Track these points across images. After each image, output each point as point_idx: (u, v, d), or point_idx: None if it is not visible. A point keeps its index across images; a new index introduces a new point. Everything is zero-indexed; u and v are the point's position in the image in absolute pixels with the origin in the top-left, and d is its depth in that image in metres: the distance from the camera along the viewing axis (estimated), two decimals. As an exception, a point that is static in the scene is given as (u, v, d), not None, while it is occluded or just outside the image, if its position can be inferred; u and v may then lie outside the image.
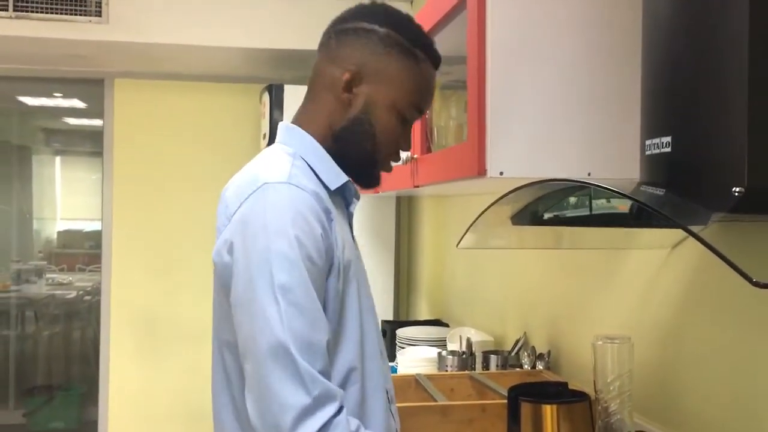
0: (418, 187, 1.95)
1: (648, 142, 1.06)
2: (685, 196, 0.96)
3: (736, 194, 0.87)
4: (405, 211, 3.55)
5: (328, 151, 1.20)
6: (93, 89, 3.95)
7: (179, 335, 3.79)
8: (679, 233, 1.45)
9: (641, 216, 1.06)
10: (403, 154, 1.95)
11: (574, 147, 1.42)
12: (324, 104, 1.22)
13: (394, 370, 2.54)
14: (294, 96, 3.14)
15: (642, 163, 1.09)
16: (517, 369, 2.02)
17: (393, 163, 1.27)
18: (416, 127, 1.95)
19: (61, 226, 5.80)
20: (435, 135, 1.95)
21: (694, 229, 0.88)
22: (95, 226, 5.60)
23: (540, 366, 1.97)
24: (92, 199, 5.68)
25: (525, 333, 2.19)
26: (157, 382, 3.81)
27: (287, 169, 1.11)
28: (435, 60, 1.25)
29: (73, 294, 5.40)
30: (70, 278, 5.57)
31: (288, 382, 0.99)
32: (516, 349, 2.14)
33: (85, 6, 3.03)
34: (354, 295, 1.17)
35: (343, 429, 1.01)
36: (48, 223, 5.70)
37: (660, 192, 1.02)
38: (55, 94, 4.80)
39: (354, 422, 1.06)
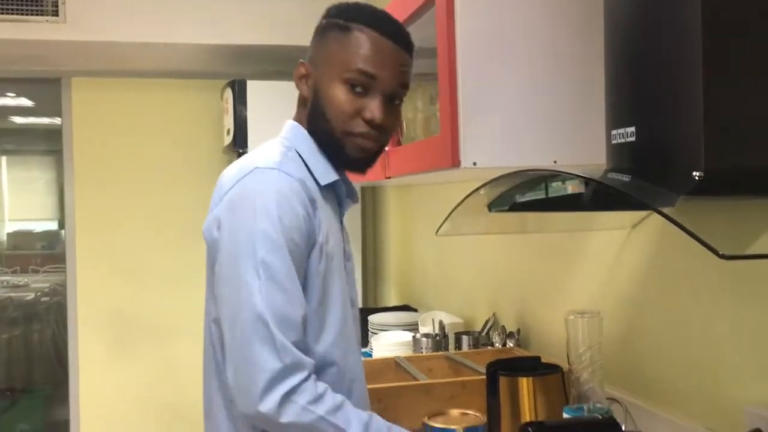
0: (389, 178, 2.03)
1: (614, 132, 1.15)
2: (649, 181, 1.07)
3: (696, 178, 0.97)
4: (369, 200, 3.63)
5: (316, 139, 1.28)
6: (41, 87, 3.91)
7: (148, 333, 3.80)
8: (638, 214, 1.57)
9: (611, 200, 1.16)
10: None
11: (542, 136, 1.52)
12: (299, 103, 1.33)
13: (368, 355, 2.62)
14: (257, 91, 3.17)
15: (608, 151, 1.18)
16: (489, 347, 2.13)
17: (363, 131, 1.24)
18: (386, 121, 2.03)
19: (10, 227, 5.69)
20: (404, 127, 2.03)
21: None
22: (47, 226, 5.52)
23: (510, 344, 2.08)
24: (44, 199, 5.60)
25: (494, 314, 2.29)
26: (127, 380, 3.82)
27: (278, 157, 1.21)
28: (372, 23, 1.25)
29: (31, 296, 5.33)
30: (26, 280, 5.50)
31: (263, 350, 1.09)
32: (486, 329, 2.25)
33: (42, 5, 3.01)
34: (338, 286, 1.25)
35: (310, 393, 1.11)
36: (-4, 224, 5.60)
37: (626, 178, 1.12)
38: (8, 94, 4.72)
39: (321, 386, 1.14)
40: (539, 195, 1.46)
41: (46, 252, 5.51)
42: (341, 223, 1.35)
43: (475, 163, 1.51)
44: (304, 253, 1.17)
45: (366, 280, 3.52)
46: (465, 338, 2.23)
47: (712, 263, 1.33)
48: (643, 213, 1.51)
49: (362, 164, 1.31)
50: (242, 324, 1.11)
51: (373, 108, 1.24)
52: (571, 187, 1.39)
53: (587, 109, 1.52)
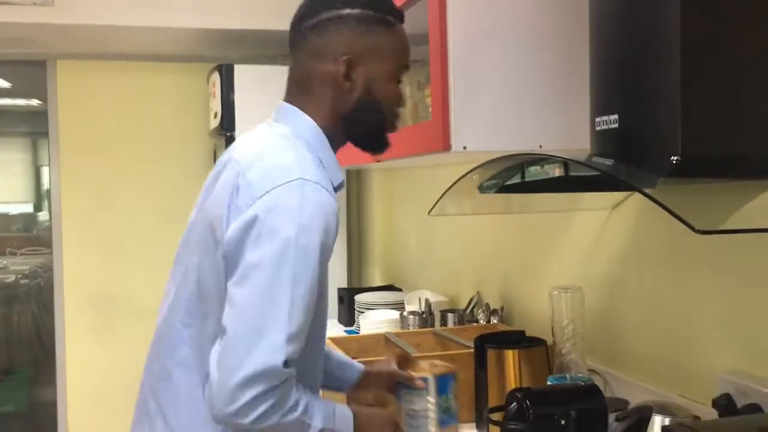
0: (380, 161, 2.10)
1: (598, 119, 1.24)
2: (631, 164, 1.15)
3: (674, 162, 1.06)
4: (354, 183, 3.70)
5: (335, 131, 1.29)
6: (20, 68, 3.89)
7: (134, 312, 3.85)
8: (618, 196, 1.67)
9: (596, 181, 1.25)
10: None
11: (528, 122, 1.60)
12: (325, 98, 1.28)
13: (353, 332, 2.71)
14: (244, 76, 3.22)
15: (592, 137, 1.27)
16: (474, 324, 2.22)
17: (400, 115, 1.37)
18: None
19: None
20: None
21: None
22: (22, 209, 5.51)
23: (494, 320, 2.17)
24: (19, 182, 5.57)
25: (478, 292, 2.39)
26: (113, 360, 3.87)
27: (313, 167, 1.21)
28: (402, 17, 1.33)
29: (11, 278, 5.33)
30: (5, 262, 5.49)
31: (263, 365, 1.09)
32: (471, 306, 2.35)
33: (30, -12, 3.02)
34: (326, 281, 1.28)
35: (292, 399, 1.14)
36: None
37: (609, 162, 1.21)
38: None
39: (300, 390, 1.16)
40: (517, 180, 1.55)
41: (22, 235, 5.50)
42: None
43: (465, 147, 1.59)
44: (325, 272, 1.22)
45: (351, 260, 3.60)
46: (450, 315, 2.32)
47: (687, 242, 1.43)
48: (623, 195, 1.61)
49: (388, 143, 1.37)
50: (258, 327, 1.11)
51: (403, 95, 1.36)
52: (557, 171, 1.47)
53: (571, 97, 1.61)
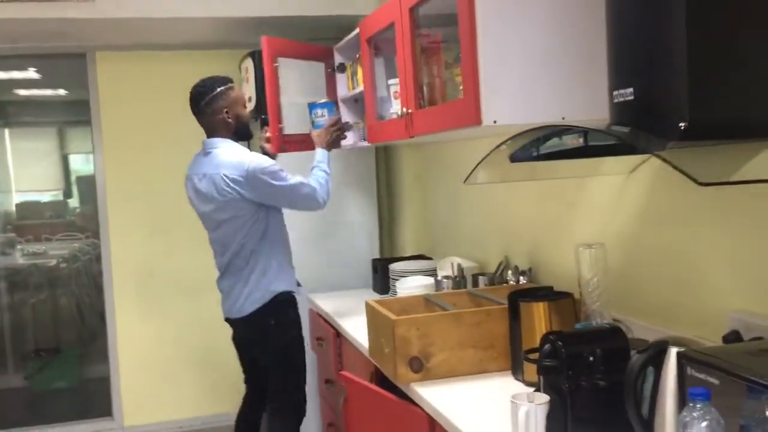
0: (413, 137, 2.27)
1: (615, 93, 1.40)
2: (645, 131, 1.32)
3: (682, 128, 1.22)
4: (382, 159, 3.87)
5: None
6: (48, 60, 4.10)
7: (178, 289, 4.08)
8: (635, 160, 1.83)
9: (614, 147, 1.42)
10: (399, 108, 2.28)
11: (551, 96, 1.76)
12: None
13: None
14: (276, 60, 3.38)
15: (611, 109, 1.43)
16: (504, 285, 2.40)
17: None
18: (408, 85, 2.27)
19: (18, 198, 5.90)
20: (425, 92, 2.26)
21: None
22: (52, 196, 5.74)
23: (523, 280, 2.35)
24: (47, 170, 5.80)
25: (506, 256, 2.56)
26: (160, 334, 4.11)
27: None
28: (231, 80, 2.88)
29: (53, 262, 5.57)
30: (45, 247, 5.74)
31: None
32: (500, 269, 2.52)
33: (71, -14, 3.19)
34: None
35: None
36: (4, 195, 5.81)
37: (626, 130, 1.37)
38: (29, 69, 4.84)
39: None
40: (536, 152, 1.71)
41: (56, 221, 5.75)
42: None
43: (495, 121, 1.76)
44: None
45: (381, 233, 3.78)
46: (482, 278, 2.50)
47: (696, 199, 1.59)
48: (639, 159, 1.77)
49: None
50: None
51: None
52: (571, 141, 1.63)
53: (590, 72, 1.77)
